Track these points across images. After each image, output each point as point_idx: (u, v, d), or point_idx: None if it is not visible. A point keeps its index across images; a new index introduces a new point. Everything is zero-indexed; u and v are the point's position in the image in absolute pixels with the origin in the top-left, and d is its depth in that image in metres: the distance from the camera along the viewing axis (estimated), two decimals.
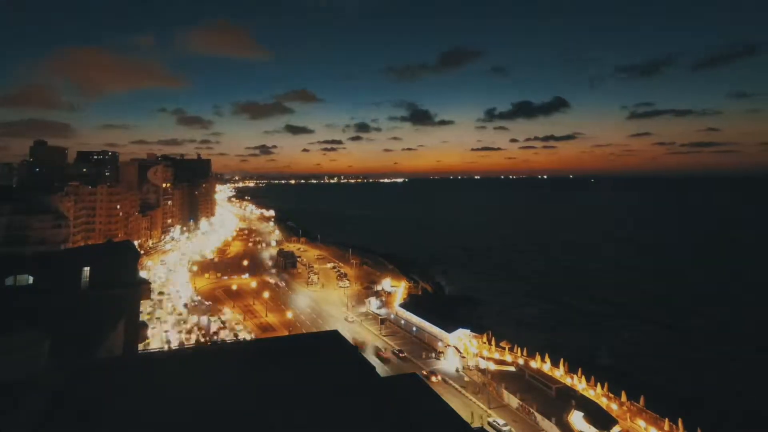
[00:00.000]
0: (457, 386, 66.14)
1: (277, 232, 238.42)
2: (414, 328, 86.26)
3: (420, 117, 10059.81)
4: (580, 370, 65.42)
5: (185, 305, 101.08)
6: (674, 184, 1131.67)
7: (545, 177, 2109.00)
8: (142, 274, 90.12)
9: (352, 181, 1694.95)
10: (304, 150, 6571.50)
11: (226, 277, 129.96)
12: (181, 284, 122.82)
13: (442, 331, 79.34)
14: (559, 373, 66.60)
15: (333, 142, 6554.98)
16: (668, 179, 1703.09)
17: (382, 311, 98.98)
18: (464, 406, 59.92)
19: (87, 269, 33.35)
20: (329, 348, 22.60)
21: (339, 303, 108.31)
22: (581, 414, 54.33)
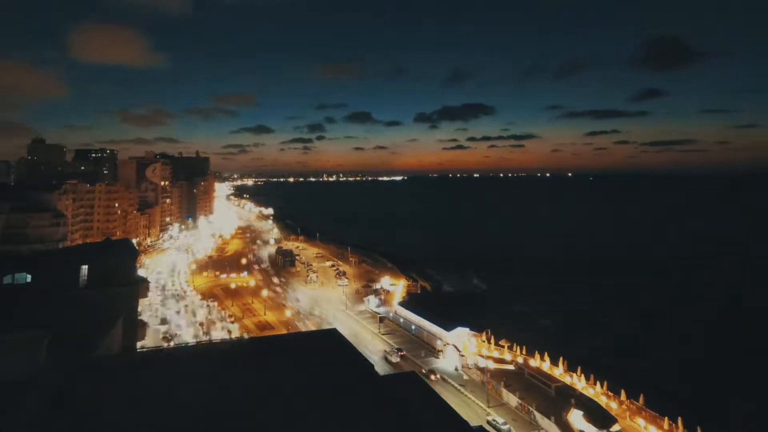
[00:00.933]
0: (456, 385, 66.18)
1: (275, 230, 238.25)
2: (413, 327, 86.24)
3: (363, 118, 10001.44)
4: (579, 368, 65.49)
5: (178, 302, 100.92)
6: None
7: (548, 175, 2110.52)
8: (141, 272, 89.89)
9: (351, 179, 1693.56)
10: (281, 150, 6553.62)
11: (224, 276, 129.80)
12: (180, 283, 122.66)
13: (441, 330, 79.18)
14: (558, 371, 66.66)
15: (303, 141, 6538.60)
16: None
17: (381, 310, 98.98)
18: (463, 404, 59.97)
19: (85, 268, 33.25)
20: (328, 346, 22.61)
21: (338, 301, 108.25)
22: (581, 412, 54.38)
